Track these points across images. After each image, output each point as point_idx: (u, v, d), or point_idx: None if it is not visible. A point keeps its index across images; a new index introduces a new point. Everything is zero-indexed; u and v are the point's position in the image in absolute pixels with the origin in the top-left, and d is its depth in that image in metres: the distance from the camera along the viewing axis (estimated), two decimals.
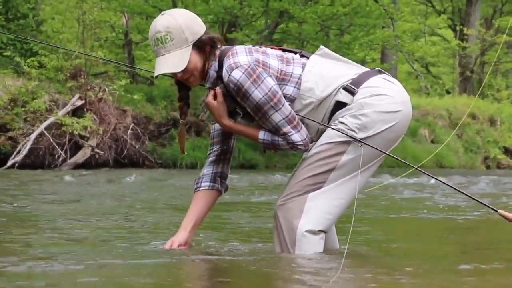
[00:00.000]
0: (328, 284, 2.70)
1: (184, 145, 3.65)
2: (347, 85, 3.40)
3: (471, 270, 3.25)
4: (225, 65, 3.34)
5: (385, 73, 3.54)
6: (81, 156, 14.39)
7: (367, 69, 3.53)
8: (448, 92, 29.87)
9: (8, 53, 15.76)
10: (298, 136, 3.38)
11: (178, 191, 8.87)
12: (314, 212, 3.33)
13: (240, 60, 3.33)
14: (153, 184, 10.20)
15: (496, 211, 3.23)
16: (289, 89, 3.40)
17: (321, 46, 3.60)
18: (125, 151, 15.30)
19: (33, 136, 13.78)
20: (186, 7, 17.80)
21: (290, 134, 3.37)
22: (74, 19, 16.21)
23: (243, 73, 3.29)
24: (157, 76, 3.41)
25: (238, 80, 3.30)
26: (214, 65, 3.43)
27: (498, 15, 31.75)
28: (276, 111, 3.33)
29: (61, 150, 14.09)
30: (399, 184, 10.28)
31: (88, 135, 14.57)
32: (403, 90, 3.49)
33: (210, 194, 3.62)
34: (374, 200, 7.50)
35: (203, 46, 3.39)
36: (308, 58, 3.53)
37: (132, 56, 21.37)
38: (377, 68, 3.56)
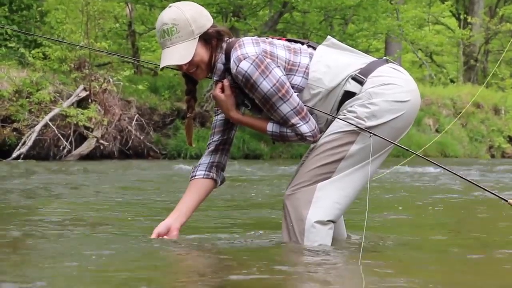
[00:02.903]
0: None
1: (191, 138, 3.65)
2: (355, 74, 3.38)
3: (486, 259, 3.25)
4: (233, 57, 3.33)
5: (392, 62, 3.53)
6: (86, 147, 14.42)
7: (374, 58, 3.52)
8: (452, 81, 29.82)
9: (13, 45, 15.77)
10: (306, 127, 3.36)
11: None
12: (323, 202, 3.32)
13: (248, 51, 3.32)
14: None
15: (507, 201, 3.22)
16: (297, 79, 3.39)
17: (328, 36, 3.59)
18: (130, 142, 15.32)
19: (38, 127, 13.80)
20: None
21: (298, 125, 3.36)
22: (77, 9, 16.19)
23: (251, 64, 3.28)
24: (162, 68, 3.40)
25: (246, 71, 3.28)
26: (221, 57, 3.41)
27: (502, 3, 31.65)
28: (284, 102, 3.32)
29: (66, 141, 14.11)
30: (406, 173, 10.27)
31: (92, 126, 14.59)
32: (411, 79, 3.48)
33: (205, 182, 3.58)
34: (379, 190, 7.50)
35: (209, 39, 3.38)
36: (315, 48, 3.52)
37: (136, 47, 21.34)
38: (384, 58, 3.56)
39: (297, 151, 17.40)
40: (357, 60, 3.46)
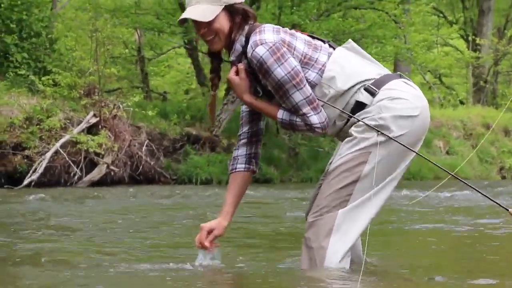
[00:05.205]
0: None
1: (214, 116, 3.76)
2: (368, 85, 3.39)
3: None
4: (251, 41, 3.36)
5: (406, 78, 3.54)
6: (97, 173, 14.40)
7: (389, 71, 3.53)
8: (461, 103, 29.77)
9: (23, 72, 15.82)
10: (316, 118, 3.38)
11: None
12: (343, 230, 3.31)
13: (266, 37, 3.34)
14: None
15: (508, 210, 3.20)
16: (311, 74, 3.40)
17: (349, 40, 3.62)
18: (140, 167, 15.30)
19: (48, 154, 13.80)
20: None
21: (309, 115, 3.37)
22: (87, 36, 16.26)
23: (267, 50, 3.31)
24: (184, 21, 3.42)
25: (261, 56, 3.31)
26: (241, 39, 3.44)
27: (510, 24, 31.67)
28: (298, 90, 3.34)
29: (77, 167, 14.11)
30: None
31: (103, 152, 14.58)
32: (422, 96, 3.49)
33: (246, 175, 3.65)
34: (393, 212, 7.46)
35: (234, 13, 3.42)
36: (335, 48, 3.53)
37: (145, 72, 21.43)
38: (398, 73, 3.56)
39: (307, 175, 17.35)
40: (373, 69, 3.48)
